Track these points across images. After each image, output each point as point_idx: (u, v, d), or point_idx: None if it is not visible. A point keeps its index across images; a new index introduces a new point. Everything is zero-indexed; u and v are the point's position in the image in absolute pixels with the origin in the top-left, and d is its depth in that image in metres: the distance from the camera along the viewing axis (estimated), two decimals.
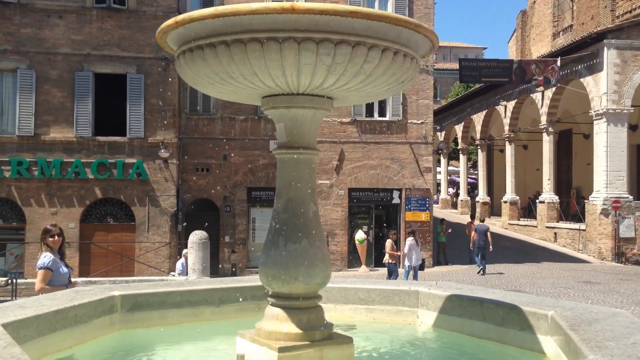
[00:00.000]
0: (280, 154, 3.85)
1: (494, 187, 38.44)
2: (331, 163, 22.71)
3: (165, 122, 21.04)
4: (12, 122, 20.38)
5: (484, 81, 25.43)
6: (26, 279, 15.93)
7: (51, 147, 20.48)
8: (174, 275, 15.10)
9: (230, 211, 22.23)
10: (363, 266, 21.76)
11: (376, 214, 23.52)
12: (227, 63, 3.25)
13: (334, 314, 4.26)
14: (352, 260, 22.47)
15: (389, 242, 16.96)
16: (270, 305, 3.79)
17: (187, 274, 15.39)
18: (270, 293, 3.80)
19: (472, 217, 27.20)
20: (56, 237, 6.13)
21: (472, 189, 43.73)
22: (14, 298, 13.77)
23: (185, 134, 22.08)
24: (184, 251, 16.08)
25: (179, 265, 15.35)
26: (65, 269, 6.16)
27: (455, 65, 68.40)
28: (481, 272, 20.34)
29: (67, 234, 20.46)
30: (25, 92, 20.30)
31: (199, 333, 4.44)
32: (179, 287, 4.69)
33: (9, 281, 13.58)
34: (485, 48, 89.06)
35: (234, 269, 21.28)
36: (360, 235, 21.89)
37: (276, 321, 3.65)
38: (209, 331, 4.54)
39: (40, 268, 5.99)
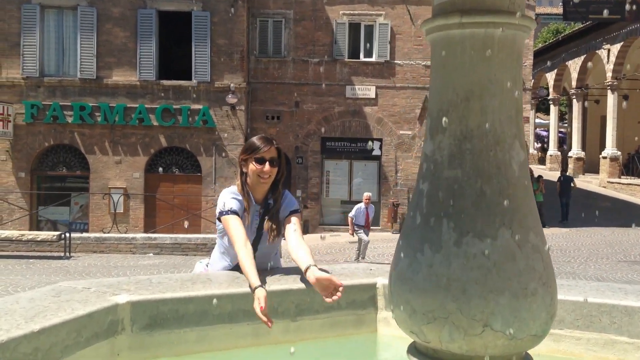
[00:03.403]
0: (444, 29, 1.61)
1: (587, 141, 34.96)
2: (414, 112, 20.44)
3: (233, 65, 19.28)
4: (73, 64, 19.17)
5: (592, 18, 22.19)
6: (82, 233, 14.81)
7: (114, 91, 19.19)
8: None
9: (303, 163, 20.47)
10: None
11: None
12: None
13: None
14: None
15: None
16: None
17: (364, 223, 13.60)
18: (416, 344, 1.70)
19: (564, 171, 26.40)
20: (267, 167, 2.89)
21: (561, 143, 40.43)
22: (67, 254, 12.67)
23: (254, 78, 20.27)
24: (365, 194, 14.35)
25: (352, 211, 13.87)
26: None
27: (543, 10, 63.59)
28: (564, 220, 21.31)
29: (132, 184, 19.52)
30: (86, 32, 18.96)
31: None
32: (229, 287, 2.81)
33: (62, 236, 12.43)
34: None
35: (306, 227, 19.64)
36: None
37: None
38: None
39: (220, 214, 2.92)
